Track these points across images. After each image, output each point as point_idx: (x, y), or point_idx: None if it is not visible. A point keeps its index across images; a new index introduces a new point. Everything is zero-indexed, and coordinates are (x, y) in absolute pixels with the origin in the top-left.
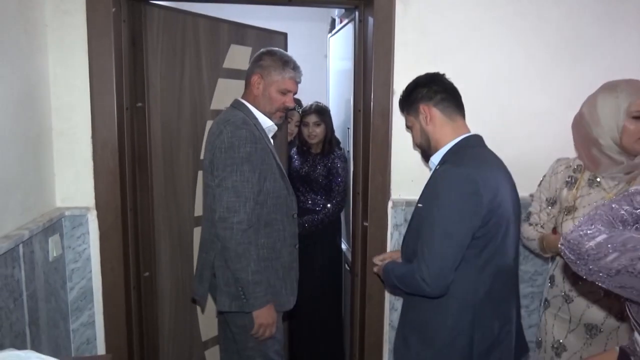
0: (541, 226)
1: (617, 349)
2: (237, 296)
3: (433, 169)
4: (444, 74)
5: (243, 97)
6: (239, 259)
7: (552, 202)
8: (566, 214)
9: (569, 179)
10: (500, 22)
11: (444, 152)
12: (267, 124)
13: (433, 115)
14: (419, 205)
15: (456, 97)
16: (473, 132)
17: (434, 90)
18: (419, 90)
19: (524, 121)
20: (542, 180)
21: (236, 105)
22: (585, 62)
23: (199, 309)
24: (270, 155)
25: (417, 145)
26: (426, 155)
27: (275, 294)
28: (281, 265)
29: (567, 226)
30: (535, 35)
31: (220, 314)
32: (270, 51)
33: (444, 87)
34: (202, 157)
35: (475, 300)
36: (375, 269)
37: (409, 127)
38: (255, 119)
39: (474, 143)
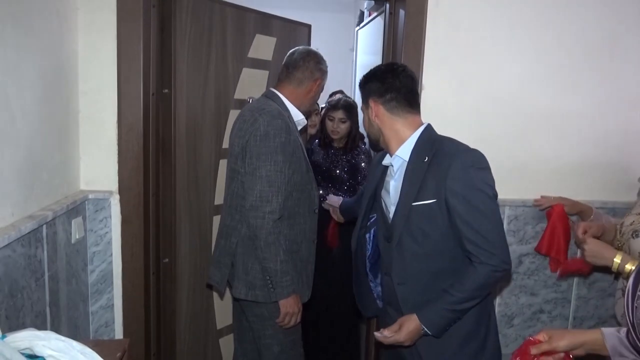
0: None
1: (603, 330)
2: (255, 285)
3: (399, 164)
4: (404, 67)
5: (277, 89)
6: (268, 248)
7: None
8: None
9: None
10: (536, 19)
11: (412, 145)
12: (299, 117)
13: (379, 113)
14: (425, 202)
15: (409, 96)
16: (501, 132)
17: (385, 87)
18: (374, 83)
19: (556, 122)
20: None
21: (270, 95)
22: (623, 63)
23: (215, 297)
24: (300, 148)
25: (365, 130)
26: (373, 146)
27: None
28: (299, 258)
29: None
30: (573, 34)
31: (236, 301)
32: (321, 56)
33: (396, 86)
34: (224, 145)
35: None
36: (391, 339)
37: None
38: (288, 111)
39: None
